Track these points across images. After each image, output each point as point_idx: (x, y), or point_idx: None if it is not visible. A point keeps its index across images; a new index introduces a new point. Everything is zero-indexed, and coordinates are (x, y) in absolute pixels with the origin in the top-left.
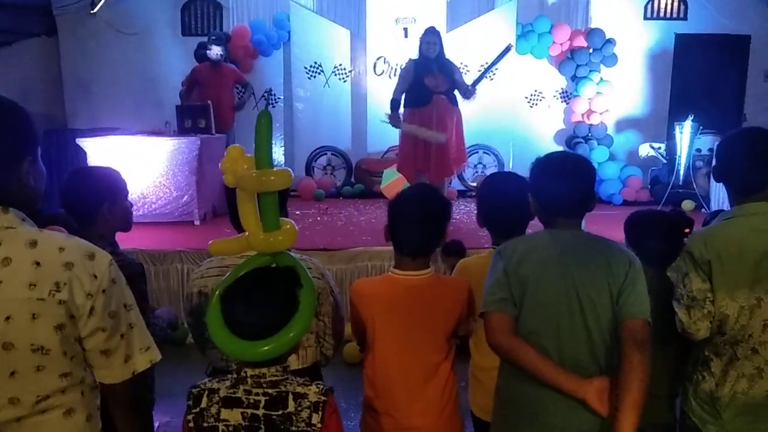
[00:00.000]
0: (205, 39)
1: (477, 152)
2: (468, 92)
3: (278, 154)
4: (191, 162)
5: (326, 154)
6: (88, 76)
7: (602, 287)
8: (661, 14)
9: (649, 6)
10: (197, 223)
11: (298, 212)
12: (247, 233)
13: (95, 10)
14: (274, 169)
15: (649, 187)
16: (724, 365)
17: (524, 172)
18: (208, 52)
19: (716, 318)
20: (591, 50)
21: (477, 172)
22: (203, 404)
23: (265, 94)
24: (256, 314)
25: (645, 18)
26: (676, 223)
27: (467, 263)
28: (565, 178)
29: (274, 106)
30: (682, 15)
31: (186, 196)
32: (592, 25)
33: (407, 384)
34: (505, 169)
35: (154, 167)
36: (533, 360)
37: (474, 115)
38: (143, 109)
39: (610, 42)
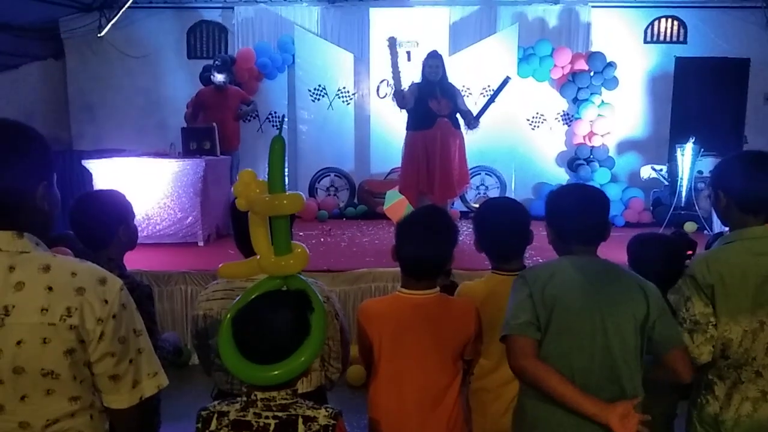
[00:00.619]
0: (210, 62)
1: (479, 174)
2: (471, 124)
3: None
4: (196, 184)
5: (329, 175)
6: (95, 98)
7: (627, 313)
8: (661, 38)
9: (649, 30)
10: (201, 244)
11: (301, 233)
12: (257, 256)
13: (102, 34)
14: (287, 193)
15: (651, 208)
16: (728, 389)
17: (526, 193)
18: (212, 77)
19: (719, 342)
20: (592, 73)
21: (479, 193)
22: (212, 427)
23: (270, 116)
24: (268, 338)
25: (645, 41)
26: (678, 247)
27: (468, 288)
28: (582, 209)
29: (281, 126)
30: (681, 39)
31: (190, 218)
32: (593, 49)
33: (414, 407)
34: (507, 191)
35: (159, 189)
36: (556, 384)
37: (476, 136)
38: (149, 131)
39: (611, 65)
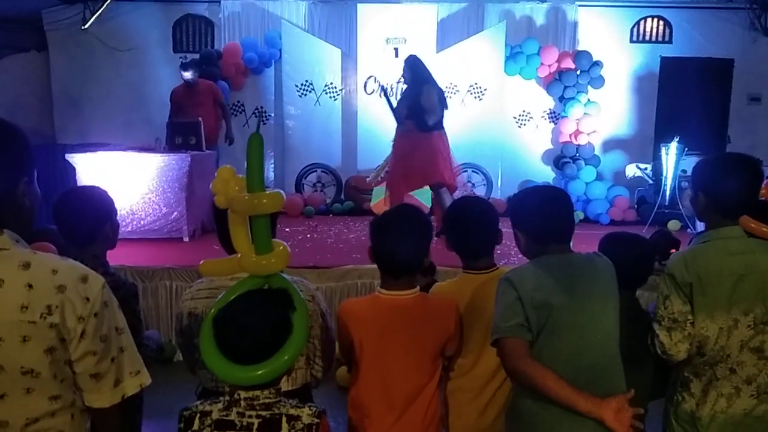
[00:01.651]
0: (196, 56)
1: (466, 171)
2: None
3: (269, 171)
4: (181, 179)
5: (316, 171)
6: (79, 91)
7: (611, 307)
8: (647, 38)
9: (635, 29)
10: (186, 239)
11: (287, 229)
12: (238, 255)
13: (87, 26)
14: (266, 192)
15: (636, 207)
16: (704, 386)
17: (512, 190)
18: (181, 76)
19: (696, 339)
20: (578, 72)
21: (466, 190)
22: (195, 427)
23: (256, 112)
24: (250, 338)
25: (631, 41)
26: (649, 247)
27: (440, 288)
28: (554, 207)
29: (265, 123)
30: (667, 39)
31: (175, 213)
32: (580, 48)
33: (390, 405)
34: (494, 188)
35: (144, 183)
36: (552, 383)
37: (463, 134)
38: (134, 125)
39: (597, 64)
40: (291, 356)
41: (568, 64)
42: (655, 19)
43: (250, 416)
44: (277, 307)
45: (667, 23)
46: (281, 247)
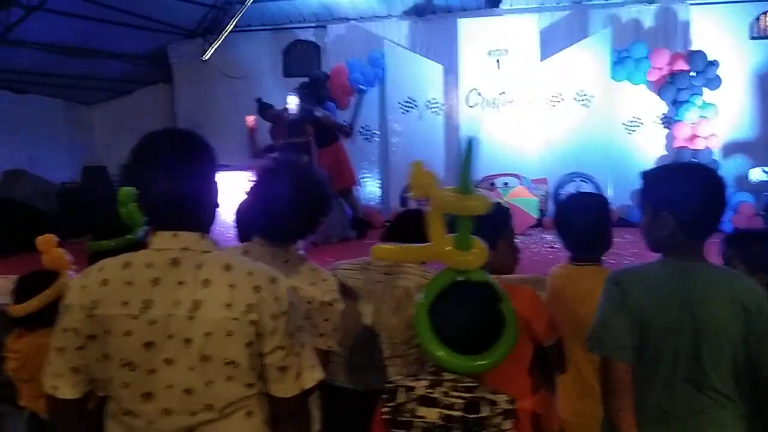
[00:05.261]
0: (305, 79)
1: (574, 180)
2: None
3: (374, 186)
4: None
5: None
6: (200, 118)
7: (723, 333)
8: None
9: (755, 25)
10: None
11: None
12: (431, 246)
13: (206, 57)
14: (476, 194)
15: (763, 213)
16: None
17: (624, 199)
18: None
19: None
20: (692, 73)
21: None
22: (400, 399)
23: (362, 130)
24: (471, 331)
25: (751, 37)
26: None
27: (551, 272)
28: (715, 191)
29: (370, 141)
30: None
31: None
32: (693, 47)
33: None
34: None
35: None
36: (622, 411)
37: (570, 142)
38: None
39: (713, 64)
40: (508, 347)
41: (681, 65)
42: None
43: (453, 396)
44: (489, 301)
45: None
46: (480, 245)
